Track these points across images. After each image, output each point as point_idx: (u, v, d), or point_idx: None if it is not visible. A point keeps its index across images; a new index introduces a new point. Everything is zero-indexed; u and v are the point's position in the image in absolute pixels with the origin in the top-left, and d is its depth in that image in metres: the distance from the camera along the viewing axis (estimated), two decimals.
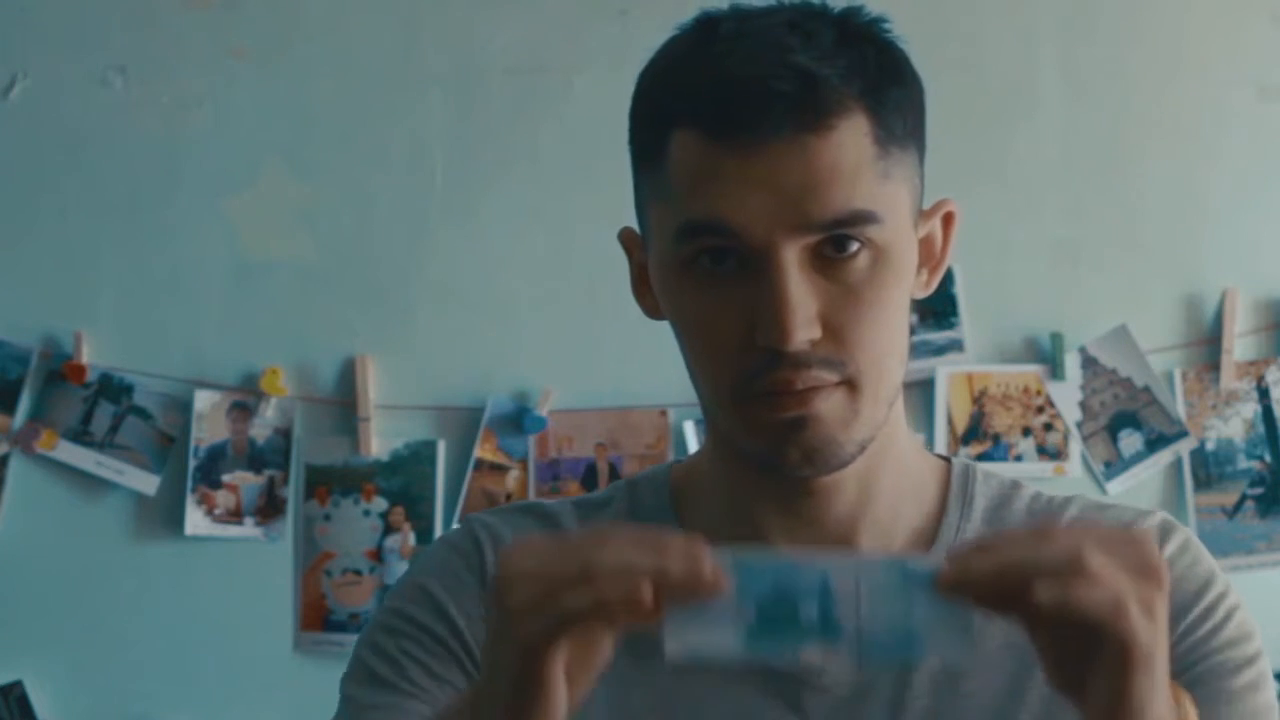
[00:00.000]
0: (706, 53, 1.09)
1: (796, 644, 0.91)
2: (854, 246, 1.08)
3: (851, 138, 1.07)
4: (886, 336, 1.10)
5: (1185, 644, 1.14)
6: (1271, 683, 1.17)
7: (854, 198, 1.07)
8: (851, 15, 1.13)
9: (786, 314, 1.06)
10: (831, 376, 1.09)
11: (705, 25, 1.12)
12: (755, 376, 1.08)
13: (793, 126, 1.05)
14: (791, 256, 1.06)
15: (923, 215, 1.16)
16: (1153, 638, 0.90)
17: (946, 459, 1.25)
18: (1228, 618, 1.16)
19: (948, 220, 1.19)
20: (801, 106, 1.06)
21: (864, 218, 1.07)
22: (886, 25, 1.14)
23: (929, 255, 1.18)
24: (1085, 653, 0.91)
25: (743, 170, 1.06)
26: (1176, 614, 1.14)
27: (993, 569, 0.91)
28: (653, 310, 1.18)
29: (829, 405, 1.09)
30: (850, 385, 1.10)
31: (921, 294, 1.17)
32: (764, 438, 1.10)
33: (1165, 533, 1.19)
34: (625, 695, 1.16)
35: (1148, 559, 0.91)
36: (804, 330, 1.06)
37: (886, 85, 1.09)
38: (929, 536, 1.19)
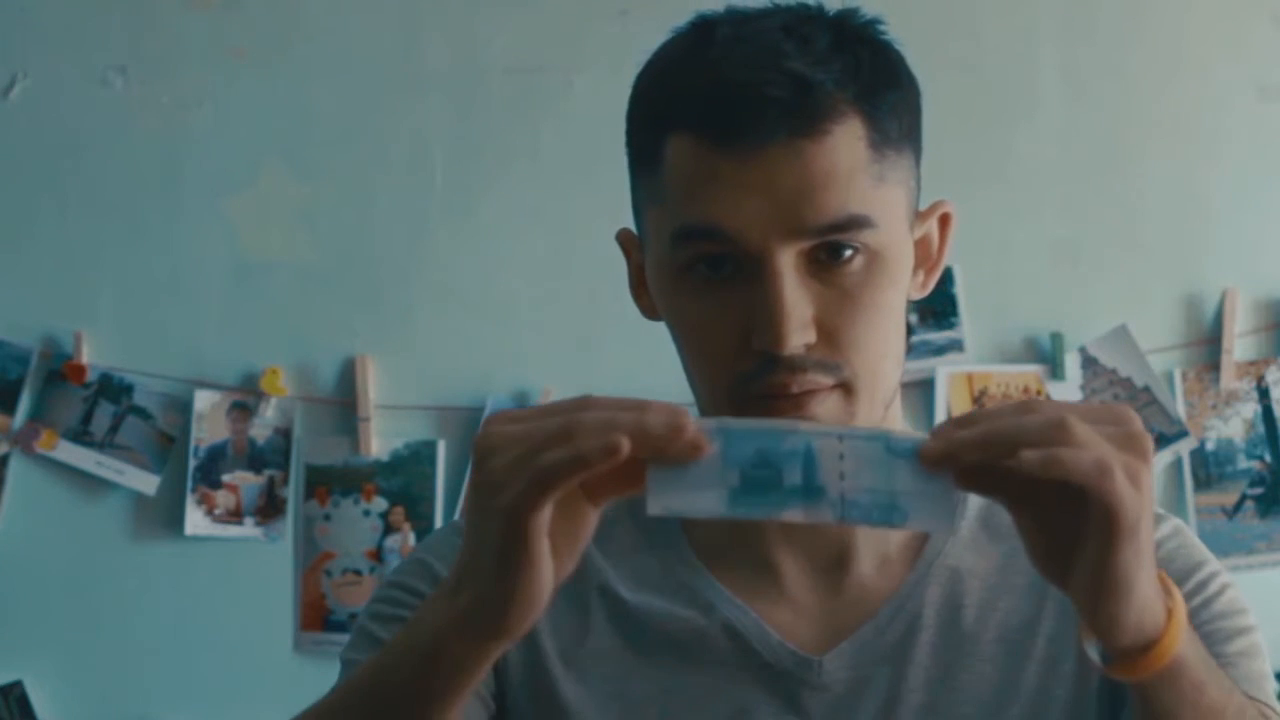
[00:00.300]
0: (702, 57, 1.09)
1: (779, 505, 0.91)
2: (849, 251, 1.08)
3: (846, 142, 1.07)
4: (882, 339, 1.11)
5: None
6: (1267, 657, 1.17)
7: (849, 202, 1.07)
8: (847, 18, 1.13)
9: (781, 319, 1.06)
10: (827, 380, 1.09)
11: (701, 29, 1.12)
12: (751, 380, 1.09)
13: (788, 132, 1.06)
14: (787, 261, 1.07)
15: (919, 216, 1.16)
16: (1138, 506, 0.89)
17: None
18: (1220, 593, 1.17)
19: (944, 221, 1.19)
20: (796, 112, 1.06)
21: (859, 222, 1.07)
22: (882, 27, 1.14)
23: (925, 256, 1.18)
24: (1070, 528, 0.91)
25: (738, 175, 1.06)
26: None
27: (977, 437, 0.90)
28: (650, 311, 1.18)
29: (825, 409, 1.09)
30: (846, 388, 1.10)
31: (918, 295, 1.17)
32: None
33: (1158, 520, 1.20)
34: (626, 686, 1.17)
35: (1133, 430, 0.91)
36: (799, 335, 1.07)
37: (881, 88, 1.09)
38: (923, 535, 1.20)
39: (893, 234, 1.10)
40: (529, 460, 0.89)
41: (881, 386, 1.12)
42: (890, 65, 1.12)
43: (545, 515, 0.90)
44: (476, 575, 0.93)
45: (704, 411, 1.15)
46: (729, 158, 1.06)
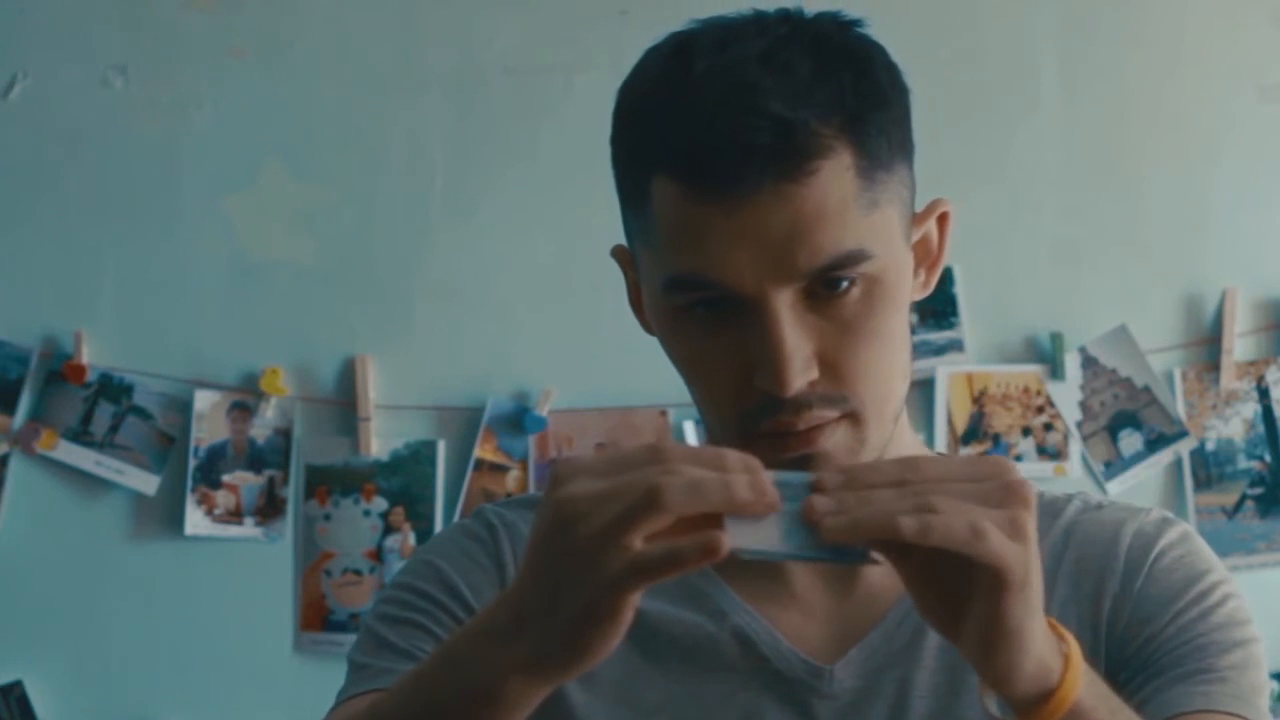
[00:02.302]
0: (681, 96, 1.06)
1: (836, 551, 0.92)
2: (846, 283, 1.07)
3: (835, 176, 1.05)
4: (887, 363, 1.10)
5: (1174, 626, 1.14)
6: (1264, 669, 1.16)
7: (843, 240, 1.05)
8: (827, 30, 1.10)
9: (782, 362, 1.05)
10: (833, 413, 1.08)
11: (678, 57, 1.08)
12: (757, 418, 1.07)
13: (773, 177, 1.03)
14: (783, 302, 1.05)
15: (916, 219, 1.14)
16: (1022, 558, 0.89)
17: None
18: (1220, 603, 1.15)
19: (943, 220, 1.17)
20: (781, 156, 1.03)
21: (854, 258, 1.06)
22: (863, 31, 1.11)
23: (925, 255, 1.16)
24: (955, 584, 0.91)
25: (726, 225, 1.04)
26: (1169, 599, 1.15)
27: (845, 526, 0.90)
28: (650, 328, 1.17)
29: (834, 441, 1.08)
30: (853, 417, 1.09)
31: (920, 295, 1.15)
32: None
33: (1165, 524, 1.19)
34: (639, 692, 1.16)
35: (1009, 481, 0.91)
36: (801, 376, 1.06)
37: (868, 112, 1.07)
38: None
39: (890, 256, 1.08)
40: (621, 538, 0.88)
41: (889, 406, 1.11)
42: (875, 83, 1.08)
43: (639, 594, 0.90)
44: (549, 626, 0.91)
45: (714, 437, 1.13)
46: (715, 207, 1.04)
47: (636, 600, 0.90)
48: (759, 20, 1.10)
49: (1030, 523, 0.90)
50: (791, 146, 1.04)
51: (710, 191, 1.04)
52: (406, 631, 1.17)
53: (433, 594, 1.18)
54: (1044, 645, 0.93)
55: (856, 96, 1.06)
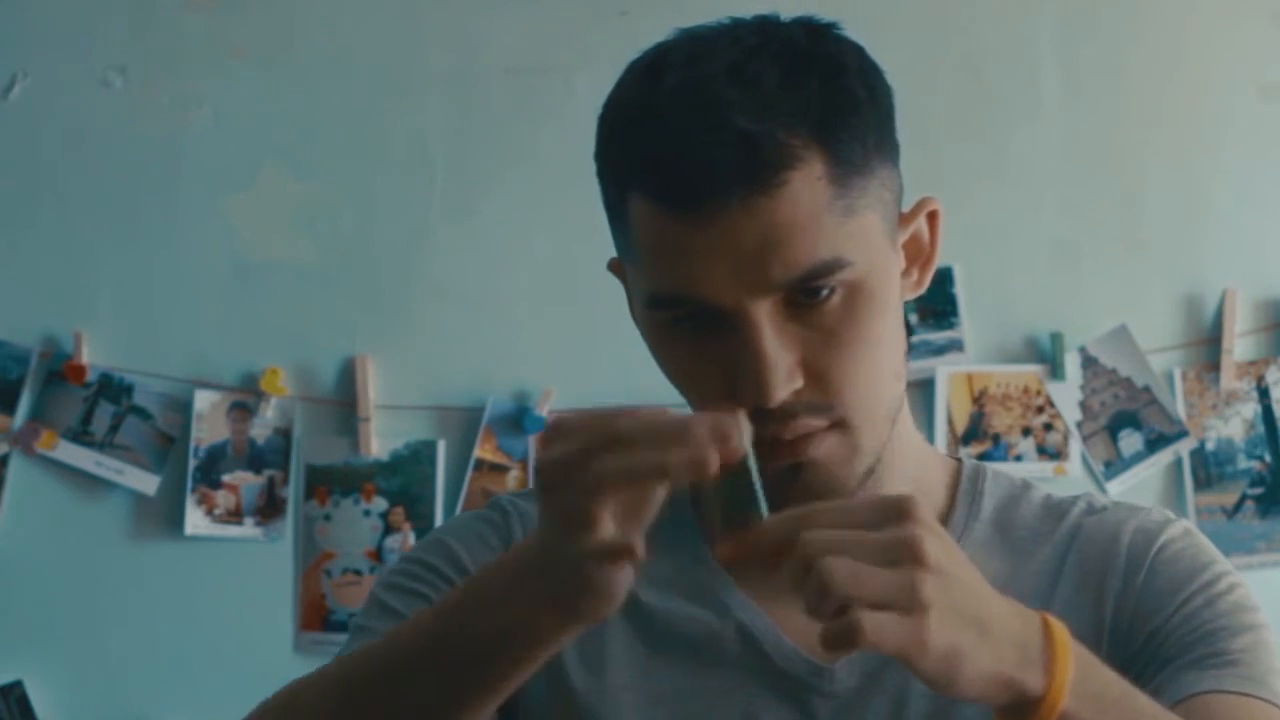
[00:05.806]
0: (650, 113, 1.06)
1: None
2: (826, 291, 1.07)
3: (806, 186, 1.05)
4: (874, 369, 1.09)
5: (1180, 615, 1.13)
6: (1276, 655, 1.14)
7: (818, 249, 1.05)
8: (798, 38, 1.09)
9: (765, 373, 1.05)
10: (820, 422, 1.08)
11: (651, 71, 1.09)
12: None
13: (742, 190, 1.03)
14: (763, 313, 1.05)
15: (903, 219, 1.14)
16: (916, 635, 0.88)
17: (958, 459, 1.25)
18: (1226, 591, 1.15)
19: (933, 218, 1.17)
20: (748, 169, 1.03)
21: (830, 267, 1.06)
22: (837, 35, 1.10)
23: (917, 253, 1.16)
24: None
25: (699, 241, 1.04)
26: (1173, 590, 1.15)
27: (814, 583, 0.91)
28: None
29: (824, 449, 1.08)
30: (842, 425, 1.09)
31: (913, 294, 1.15)
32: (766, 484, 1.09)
33: (1167, 522, 1.19)
34: (645, 683, 1.17)
35: (898, 538, 0.89)
36: (784, 387, 1.06)
37: (838, 118, 1.06)
38: None
39: (870, 261, 1.08)
40: (589, 514, 0.92)
41: (882, 411, 1.11)
42: (845, 89, 1.08)
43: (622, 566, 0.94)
44: (558, 573, 0.96)
45: None
46: (687, 224, 1.04)
47: (624, 571, 0.93)
48: (732, 31, 1.10)
49: (926, 582, 0.88)
50: (758, 159, 1.03)
51: (681, 208, 1.05)
52: (410, 600, 1.18)
53: (440, 569, 1.20)
54: (996, 664, 0.91)
55: (825, 104, 1.06)
